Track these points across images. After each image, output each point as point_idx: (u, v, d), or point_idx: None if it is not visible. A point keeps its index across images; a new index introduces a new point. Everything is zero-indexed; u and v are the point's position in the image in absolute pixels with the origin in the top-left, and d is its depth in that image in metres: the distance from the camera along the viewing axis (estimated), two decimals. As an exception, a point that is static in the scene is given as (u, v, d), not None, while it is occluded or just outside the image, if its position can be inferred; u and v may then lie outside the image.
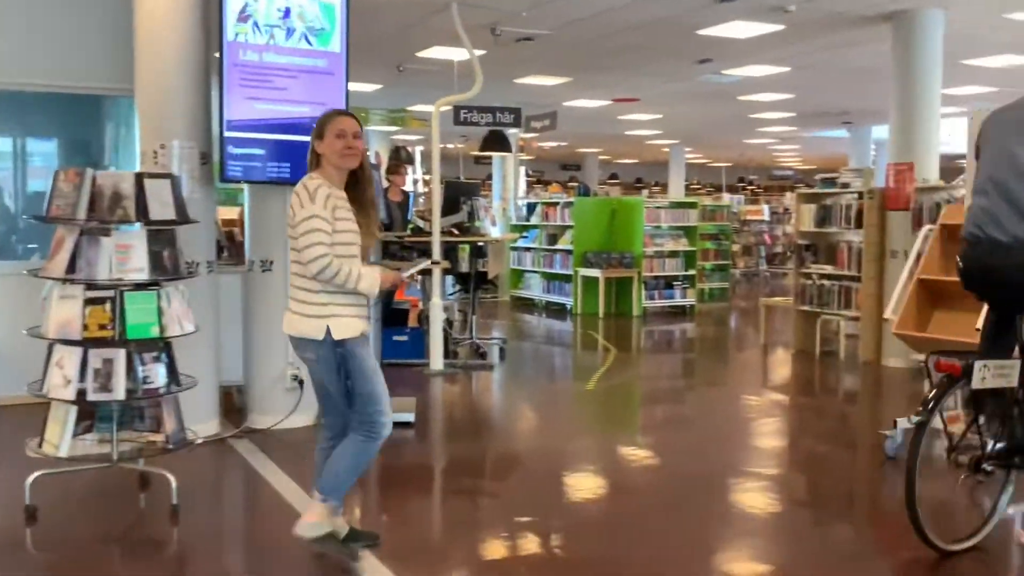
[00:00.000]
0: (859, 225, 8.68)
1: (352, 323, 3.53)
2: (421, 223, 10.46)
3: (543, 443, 6.01)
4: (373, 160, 11.10)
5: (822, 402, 7.72)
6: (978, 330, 4.66)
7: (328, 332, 3.47)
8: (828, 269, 9.05)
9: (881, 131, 18.76)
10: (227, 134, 5.47)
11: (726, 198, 21.42)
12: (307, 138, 3.68)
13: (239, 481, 5.09)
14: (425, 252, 8.31)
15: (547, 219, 13.70)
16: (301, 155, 3.89)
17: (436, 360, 8.06)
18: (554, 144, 22.42)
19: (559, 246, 13.42)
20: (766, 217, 20.33)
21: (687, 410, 7.26)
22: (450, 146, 22.33)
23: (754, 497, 4.69)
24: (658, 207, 13.28)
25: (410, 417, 6.02)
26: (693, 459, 5.47)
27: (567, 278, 13.25)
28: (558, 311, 13.35)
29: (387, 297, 8.97)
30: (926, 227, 5.21)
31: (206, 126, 5.66)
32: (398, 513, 4.53)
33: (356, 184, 3.64)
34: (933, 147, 8.41)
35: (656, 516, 4.42)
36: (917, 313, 5.12)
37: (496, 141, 10.69)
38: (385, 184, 9.36)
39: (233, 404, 6.18)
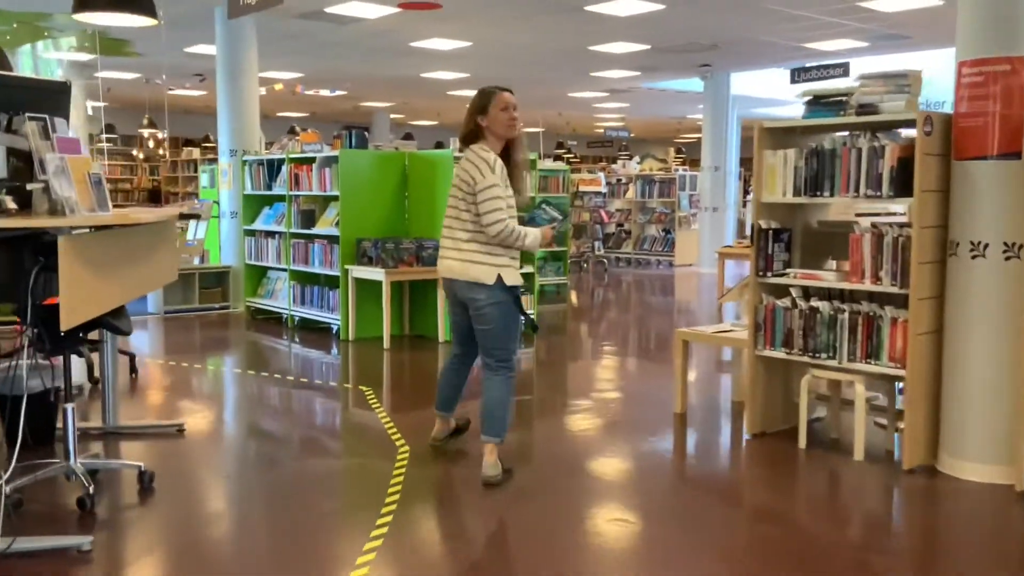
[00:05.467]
0: (903, 190, 4.23)
1: (516, 274, 4.14)
2: None
3: None
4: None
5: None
6: None
7: (500, 279, 4.03)
8: (827, 277, 4.56)
9: (742, 82, 14.95)
10: None
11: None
12: None
13: None
14: None
15: (298, 186, 8.54)
16: None
17: None
18: (331, 93, 17.09)
19: (318, 230, 8.31)
20: (603, 188, 16.07)
21: None
22: (184, 91, 16.42)
23: None
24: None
25: None
26: None
27: (332, 281, 8.19)
28: (319, 335, 8.26)
29: None
30: None
31: None
32: None
33: (509, 150, 4.17)
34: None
35: None
36: None
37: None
38: None
39: None
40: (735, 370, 5.80)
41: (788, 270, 4.73)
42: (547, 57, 13.38)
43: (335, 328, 8.13)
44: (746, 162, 23.47)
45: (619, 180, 17.74)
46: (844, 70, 11.31)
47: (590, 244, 15.66)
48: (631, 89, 17.36)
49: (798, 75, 11.82)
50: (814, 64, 11.80)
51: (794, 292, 4.66)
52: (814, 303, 4.57)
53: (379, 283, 7.65)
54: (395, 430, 4.98)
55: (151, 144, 20.64)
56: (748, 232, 20.19)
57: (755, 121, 4.74)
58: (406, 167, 8.25)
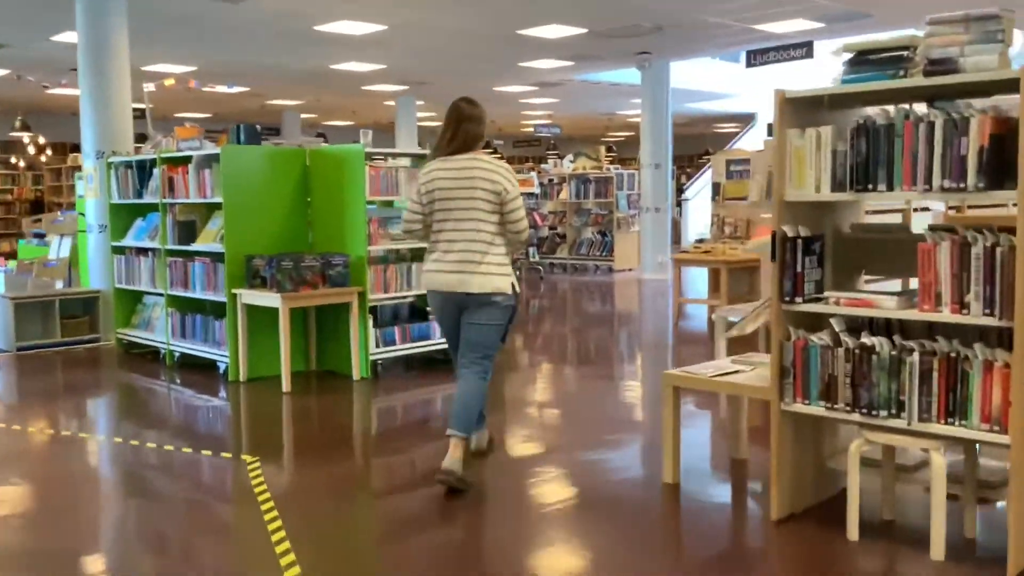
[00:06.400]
0: (998, 179, 2.97)
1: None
2: None
3: None
4: None
5: None
6: None
7: (513, 286, 4.12)
8: (886, 304, 3.26)
9: (677, 74, 13.86)
10: None
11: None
12: None
13: None
14: None
15: (173, 193, 6.96)
16: None
17: None
18: (229, 88, 15.37)
19: (199, 246, 6.75)
20: (535, 189, 14.76)
21: None
22: (63, 90, 14.51)
23: None
24: (393, 165, 6.97)
25: None
26: None
27: (219, 308, 6.65)
28: (204, 376, 6.70)
29: None
30: None
31: None
32: None
33: None
34: None
35: None
36: None
37: None
38: None
39: None
40: (730, 414, 4.50)
41: (826, 294, 3.44)
42: (472, 43, 11.99)
43: (223, 367, 6.59)
44: (678, 159, 22.52)
45: (551, 180, 16.46)
46: (807, 51, 10.24)
47: (524, 250, 14.31)
48: (562, 82, 16.10)
49: (754, 57, 10.70)
50: (772, 45, 10.70)
51: (836, 324, 3.37)
52: (866, 340, 3.28)
53: (275, 310, 6.15)
54: (282, 533, 3.51)
55: (31, 150, 18.56)
56: (691, 238, 19.16)
57: (789, 93, 3.43)
58: (307, 167, 6.76)
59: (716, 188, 9.32)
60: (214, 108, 19.59)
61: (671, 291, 9.94)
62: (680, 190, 20.93)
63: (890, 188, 3.21)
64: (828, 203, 3.57)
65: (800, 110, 3.48)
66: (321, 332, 6.78)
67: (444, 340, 4.46)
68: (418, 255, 7.06)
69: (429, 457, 4.49)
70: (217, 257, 6.52)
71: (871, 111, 3.35)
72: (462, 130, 4.08)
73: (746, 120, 23.07)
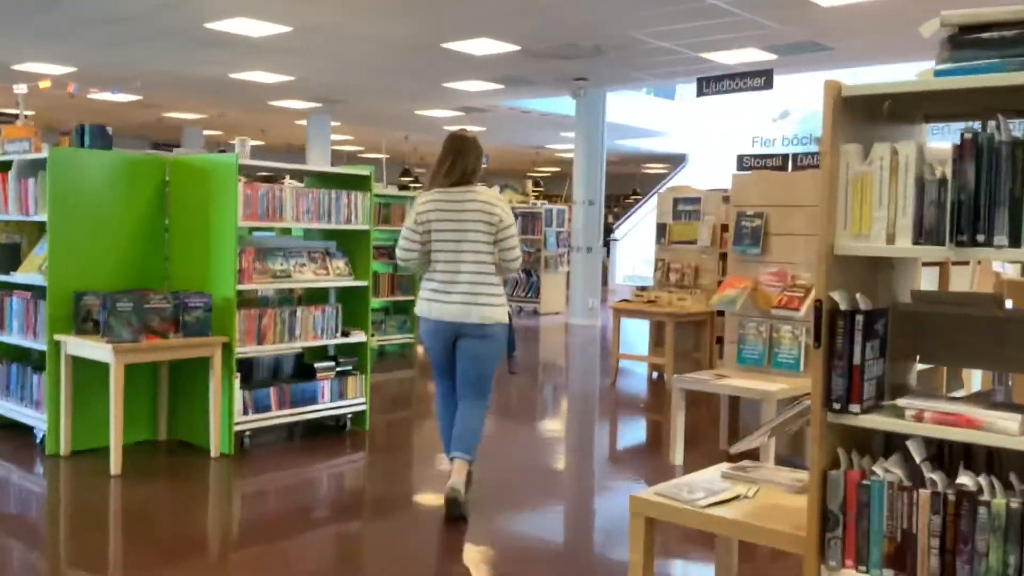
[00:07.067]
0: None
1: None
2: None
3: None
4: None
5: None
6: None
7: (509, 315, 4.20)
8: (999, 426, 2.06)
9: (612, 106, 12.86)
10: None
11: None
12: None
13: None
14: None
15: (-11, 206, 5.43)
16: None
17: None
18: (114, 94, 13.71)
19: (20, 276, 5.23)
20: (456, 222, 13.45)
21: None
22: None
23: None
24: (281, 180, 5.57)
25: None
26: None
27: (39, 360, 5.12)
28: (19, 444, 5.16)
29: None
30: None
31: None
32: None
33: None
34: None
35: None
36: None
37: None
38: None
39: None
40: (715, 546, 3.26)
41: (899, 401, 2.23)
42: (392, 56, 10.72)
43: (40, 433, 5.06)
44: (606, 199, 21.64)
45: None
46: (766, 80, 9.27)
47: (513, 277, 12.99)
48: (489, 108, 14.95)
49: (707, 86, 9.69)
50: (726, 73, 9.70)
51: (916, 452, 2.16)
52: (967, 479, 2.08)
53: (106, 365, 4.69)
54: None
55: None
56: (618, 279, 18.15)
57: (831, 81, 2.23)
58: (166, 181, 5.35)
59: (661, 229, 8.20)
60: (105, 119, 17.70)
61: (600, 339, 8.77)
62: (608, 230, 20.01)
63: (1016, 242, 2.03)
64: (890, 259, 2.38)
65: (859, 117, 2.29)
66: (175, 391, 5.33)
67: (434, 371, 4.32)
68: (313, 297, 5.69)
69: (303, 559, 3.11)
70: (40, 292, 5.02)
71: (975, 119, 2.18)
72: (460, 162, 4.14)
73: (677, 161, 22.36)
